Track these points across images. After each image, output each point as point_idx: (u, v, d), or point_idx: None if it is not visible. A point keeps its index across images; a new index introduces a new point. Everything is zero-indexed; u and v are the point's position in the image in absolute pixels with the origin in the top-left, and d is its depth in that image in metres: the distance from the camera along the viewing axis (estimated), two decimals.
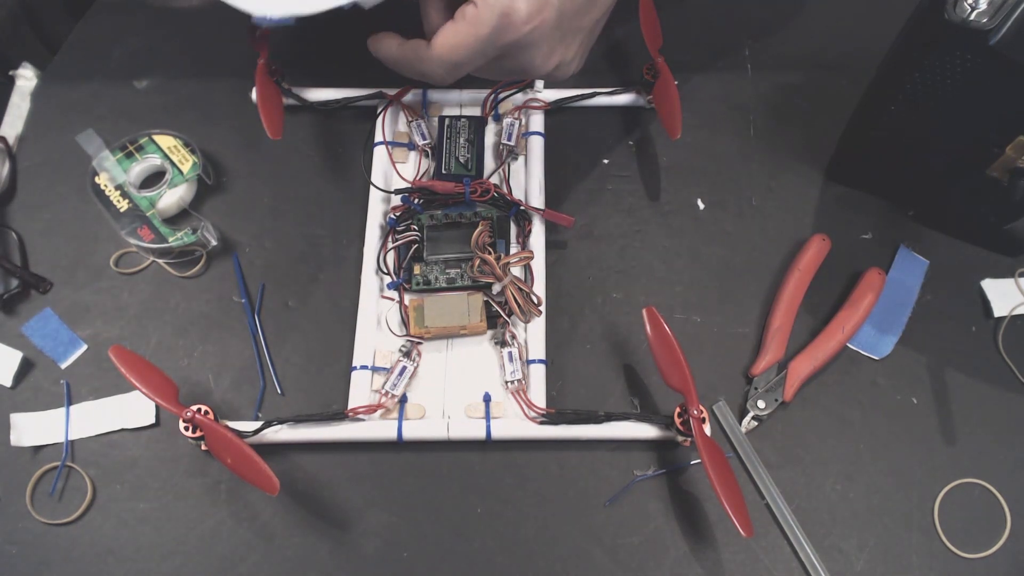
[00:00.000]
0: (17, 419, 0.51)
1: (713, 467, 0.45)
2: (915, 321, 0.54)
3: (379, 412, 0.50)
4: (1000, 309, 0.55)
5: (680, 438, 0.49)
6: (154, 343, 0.54)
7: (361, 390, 0.50)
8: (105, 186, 0.56)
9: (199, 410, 0.47)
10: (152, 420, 0.51)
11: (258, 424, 0.49)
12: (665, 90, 0.57)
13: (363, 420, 0.49)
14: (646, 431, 0.49)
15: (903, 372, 0.53)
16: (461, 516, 0.49)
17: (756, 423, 0.51)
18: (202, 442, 0.48)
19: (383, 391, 0.50)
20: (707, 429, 0.47)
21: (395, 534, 0.48)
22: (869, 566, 0.48)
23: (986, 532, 0.49)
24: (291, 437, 0.49)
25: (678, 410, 0.48)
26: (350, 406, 0.50)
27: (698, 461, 0.50)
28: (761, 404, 0.51)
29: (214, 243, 0.56)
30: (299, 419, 0.49)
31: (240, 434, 0.47)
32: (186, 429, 0.47)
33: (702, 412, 0.47)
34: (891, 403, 0.52)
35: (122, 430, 0.51)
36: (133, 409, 0.51)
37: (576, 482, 0.50)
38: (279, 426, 0.49)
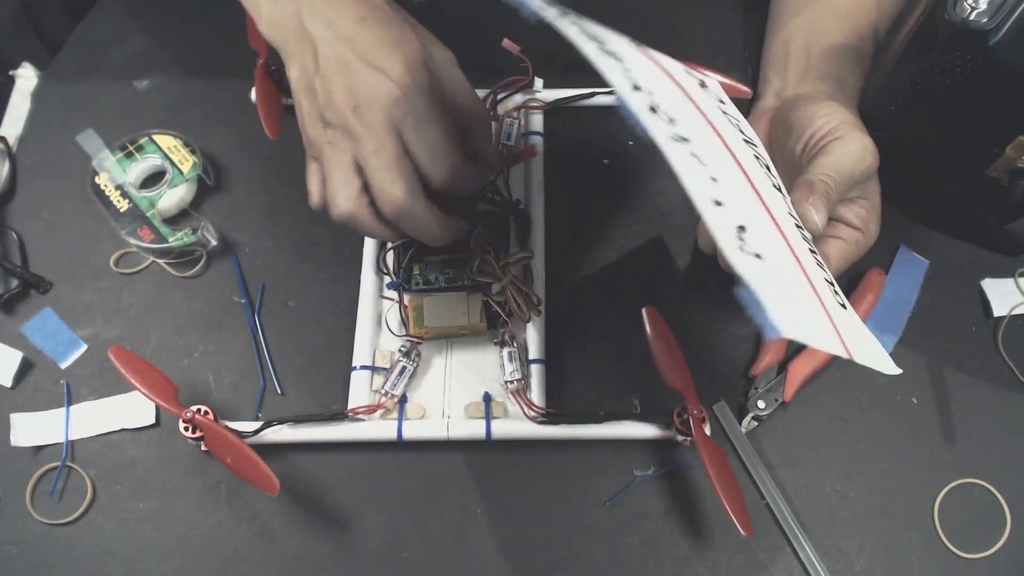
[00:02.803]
0: (17, 419, 0.51)
1: (713, 466, 0.45)
2: (915, 321, 0.54)
3: (379, 412, 0.50)
4: (1000, 309, 0.55)
5: (680, 438, 0.49)
6: (154, 343, 0.54)
7: (361, 390, 0.50)
8: (105, 186, 0.56)
9: (199, 410, 0.47)
10: (152, 420, 0.51)
11: (258, 424, 0.49)
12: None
13: (363, 420, 0.49)
14: (646, 431, 0.49)
15: (903, 372, 0.53)
16: (461, 516, 0.49)
17: (756, 423, 0.51)
18: (202, 442, 0.48)
19: (383, 391, 0.50)
20: (707, 429, 0.47)
21: (395, 534, 0.48)
22: (869, 566, 0.48)
23: (986, 532, 0.49)
24: (291, 437, 0.49)
25: (678, 410, 0.48)
26: (350, 406, 0.50)
27: (698, 461, 0.50)
28: (761, 404, 0.51)
29: (214, 243, 0.56)
30: (299, 419, 0.49)
31: (240, 434, 0.47)
32: (186, 429, 0.47)
33: (702, 412, 0.47)
34: (891, 403, 0.52)
35: (122, 430, 0.51)
36: (133, 409, 0.51)
37: (576, 482, 0.50)
38: (279, 426, 0.49)
